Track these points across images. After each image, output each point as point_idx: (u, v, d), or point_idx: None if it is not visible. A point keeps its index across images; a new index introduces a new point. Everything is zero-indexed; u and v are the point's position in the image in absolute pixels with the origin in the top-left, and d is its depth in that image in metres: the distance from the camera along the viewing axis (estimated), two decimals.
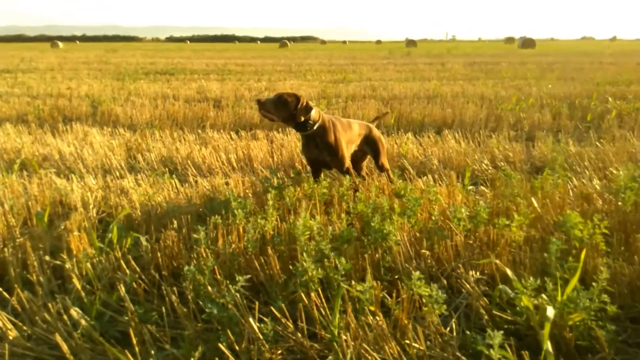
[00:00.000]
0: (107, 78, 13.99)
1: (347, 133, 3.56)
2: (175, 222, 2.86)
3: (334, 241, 2.39)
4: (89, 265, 2.38)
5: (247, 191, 3.72)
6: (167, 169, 4.57)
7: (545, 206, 3.12)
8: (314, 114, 3.37)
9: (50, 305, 2.11)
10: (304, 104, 3.31)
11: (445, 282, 2.35)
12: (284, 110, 3.30)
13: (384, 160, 3.84)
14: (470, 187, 3.76)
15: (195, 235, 2.40)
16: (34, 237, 2.85)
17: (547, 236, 2.73)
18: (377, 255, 2.36)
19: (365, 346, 1.71)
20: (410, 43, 61.25)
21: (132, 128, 6.55)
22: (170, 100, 8.85)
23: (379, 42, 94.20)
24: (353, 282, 2.09)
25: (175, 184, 3.89)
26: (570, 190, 3.56)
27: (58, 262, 2.53)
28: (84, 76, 14.83)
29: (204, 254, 2.33)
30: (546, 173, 3.94)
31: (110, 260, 2.46)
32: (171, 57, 29.29)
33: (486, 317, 2.09)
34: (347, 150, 3.58)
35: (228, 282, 2.08)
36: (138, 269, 2.41)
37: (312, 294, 2.05)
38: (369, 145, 3.78)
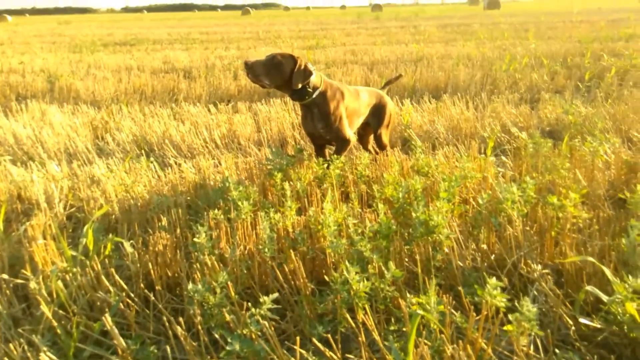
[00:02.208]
0: (62, 51, 12.92)
1: (355, 104, 3.06)
2: (164, 218, 2.34)
3: (371, 239, 1.92)
4: (60, 283, 1.86)
5: (240, 174, 3.20)
6: (142, 150, 3.99)
7: (592, 179, 2.73)
8: (314, 79, 2.85)
9: (12, 346, 1.59)
10: (302, 66, 2.79)
11: (506, 280, 1.93)
12: (278, 74, 2.78)
13: (385, 134, 3.33)
14: (492, 159, 3.34)
15: (195, 239, 1.90)
16: None
17: (604, 215, 2.34)
18: (424, 254, 1.91)
19: None
20: (376, 7, 59.98)
21: (96, 104, 5.86)
22: (135, 72, 8.08)
23: (343, 7, 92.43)
24: (408, 295, 1.65)
25: (155, 168, 3.34)
26: (599, 158, 3.17)
27: (20, 281, 1.99)
28: (37, 50, 13.66)
29: (209, 263, 1.84)
30: (566, 139, 3.55)
31: (88, 274, 1.94)
32: (129, 28, 27.73)
33: (573, 327, 1.68)
34: (353, 124, 3.09)
35: (249, 303, 1.61)
36: (124, 285, 1.90)
37: (359, 313, 1.59)
38: (375, 115, 3.28)
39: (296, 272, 1.83)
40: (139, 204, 2.75)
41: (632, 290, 1.58)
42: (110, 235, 2.20)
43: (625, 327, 1.60)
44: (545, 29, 16.23)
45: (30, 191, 3.03)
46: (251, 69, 2.73)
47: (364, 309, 1.60)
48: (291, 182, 2.65)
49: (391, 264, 1.66)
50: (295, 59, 2.80)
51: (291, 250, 1.88)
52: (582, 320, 1.68)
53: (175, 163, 3.61)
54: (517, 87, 6.21)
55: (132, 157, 3.58)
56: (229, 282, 1.66)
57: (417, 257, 1.81)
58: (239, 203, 2.20)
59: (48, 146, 4.09)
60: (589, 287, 1.69)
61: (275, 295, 1.55)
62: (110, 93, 6.43)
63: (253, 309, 1.52)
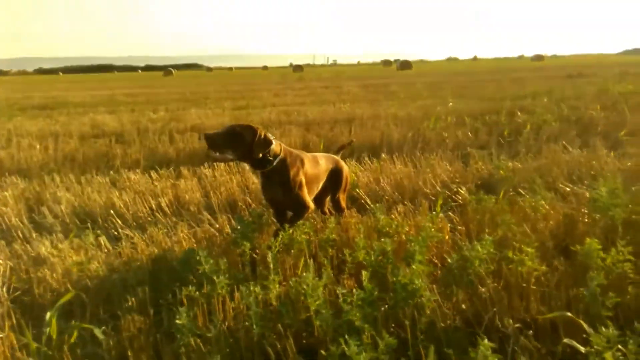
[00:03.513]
0: None
1: (315, 170, 3.13)
2: (130, 298, 2.22)
3: (359, 307, 1.93)
4: None
5: (198, 244, 3.12)
6: (87, 223, 3.78)
7: (535, 231, 2.94)
8: (274, 147, 2.91)
9: None
10: (262, 136, 2.84)
11: (486, 338, 2.00)
12: (238, 145, 2.80)
13: (342, 197, 3.45)
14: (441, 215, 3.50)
15: (178, 321, 1.82)
16: None
17: (562, 268, 2.52)
18: (409, 318, 1.95)
19: None
20: (297, 68, 62.12)
21: (24, 174, 5.51)
22: (62, 139, 7.73)
23: (265, 67, 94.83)
24: None
25: (105, 242, 3.18)
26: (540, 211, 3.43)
27: None
28: None
29: (195, 345, 1.76)
30: (502, 193, 3.82)
31: None
32: (46, 90, 26.75)
33: None
34: (313, 190, 3.15)
35: None
36: None
37: None
38: (332, 180, 3.37)
39: (286, 348, 1.79)
40: (94, 283, 2.59)
41: (606, 340, 1.70)
42: (74, 322, 2.05)
43: None
44: (457, 87, 17.53)
45: None
46: (212, 140, 2.74)
47: None
48: (258, 251, 2.62)
49: (385, 334, 1.68)
50: (254, 129, 2.84)
51: (280, 326, 1.85)
52: None
53: (125, 235, 3.45)
54: (445, 145, 6.61)
55: (75, 233, 3.38)
56: None
57: (407, 322, 1.84)
58: (214, 277, 2.14)
59: None
60: (566, 340, 1.79)
61: None
62: (38, 161, 6.08)
63: None
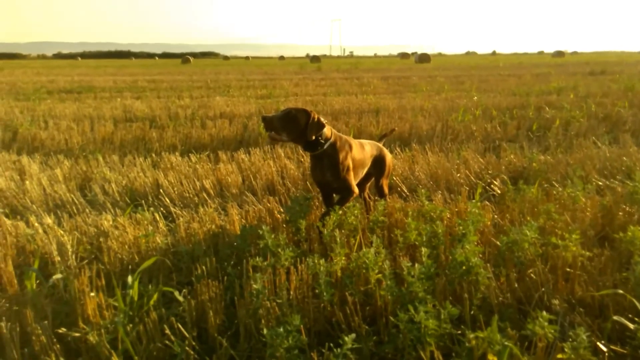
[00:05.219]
0: (8, 98, 12.44)
1: (361, 155, 3.27)
2: (200, 267, 2.38)
3: (421, 280, 2.08)
4: (122, 332, 1.86)
5: (250, 222, 3.28)
6: (141, 201, 3.96)
7: (578, 220, 3.05)
8: (325, 130, 3.05)
9: None
10: (315, 119, 2.99)
11: (544, 312, 2.13)
12: (294, 127, 2.95)
13: (385, 183, 3.59)
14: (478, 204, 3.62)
15: (255, 285, 1.97)
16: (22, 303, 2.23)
17: (602, 251, 2.63)
18: (463, 292, 2.09)
19: None
20: (315, 59, 61.89)
21: (66, 154, 5.72)
22: (97, 121, 7.97)
23: (282, 57, 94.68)
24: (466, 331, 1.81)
25: (159, 219, 3.35)
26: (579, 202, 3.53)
27: (76, 334, 1.96)
28: None
29: (272, 308, 1.92)
30: (537, 184, 3.92)
31: (147, 324, 1.95)
32: (69, 75, 27.10)
33: (607, 353, 1.90)
34: (358, 175, 3.29)
35: (332, 345, 1.70)
36: (186, 333, 1.93)
37: (427, 351, 1.73)
38: (376, 167, 3.51)
39: (352, 315, 1.94)
40: (160, 254, 2.76)
41: None
42: (151, 287, 2.22)
43: None
44: (479, 82, 17.46)
45: (34, 244, 2.96)
46: (269, 122, 2.89)
47: (431, 344, 1.74)
48: (297, 228, 2.78)
49: (448, 304, 1.82)
50: (308, 113, 2.98)
51: (347, 294, 2.00)
52: (612, 347, 1.91)
53: (176, 214, 3.63)
54: (474, 137, 6.70)
55: (131, 209, 3.57)
56: (302, 327, 1.75)
57: (465, 295, 1.98)
58: (279, 250, 2.30)
59: (32, 198, 3.98)
60: (616, 317, 1.92)
61: (353, 335, 1.66)
62: (78, 142, 6.30)
63: (335, 350, 1.62)
